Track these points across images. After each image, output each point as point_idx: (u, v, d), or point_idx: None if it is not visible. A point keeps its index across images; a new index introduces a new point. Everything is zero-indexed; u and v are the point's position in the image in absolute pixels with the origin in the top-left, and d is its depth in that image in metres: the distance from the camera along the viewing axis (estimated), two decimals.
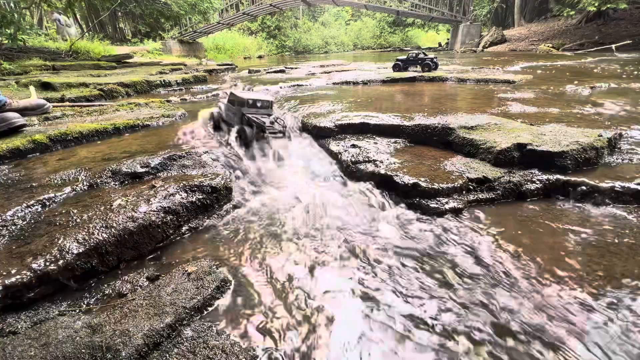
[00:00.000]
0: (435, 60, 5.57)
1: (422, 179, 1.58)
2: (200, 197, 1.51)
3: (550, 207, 1.50)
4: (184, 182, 1.53)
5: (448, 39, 22.87)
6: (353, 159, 1.93)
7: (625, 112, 2.64)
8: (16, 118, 2.26)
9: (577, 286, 1.03)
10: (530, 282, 1.07)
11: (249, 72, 7.38)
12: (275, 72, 6.93)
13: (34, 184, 1.53)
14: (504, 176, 1.66)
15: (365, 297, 1.05)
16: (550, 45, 14.09)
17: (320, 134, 2.37)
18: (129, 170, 1.65)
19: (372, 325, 0.95)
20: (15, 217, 1.27)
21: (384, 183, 1.69)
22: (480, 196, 1.58)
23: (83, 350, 0.81)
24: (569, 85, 3.87)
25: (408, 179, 1.59)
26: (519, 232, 1.33)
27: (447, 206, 1.49)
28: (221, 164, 1.92)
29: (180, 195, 1.46)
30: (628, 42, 12.06)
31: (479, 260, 1.18)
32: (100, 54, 8.32)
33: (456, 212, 1.48)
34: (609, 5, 13.04)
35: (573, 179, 1.56)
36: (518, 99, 3.13)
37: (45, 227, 1.21)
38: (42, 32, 10.66)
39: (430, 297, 1.04)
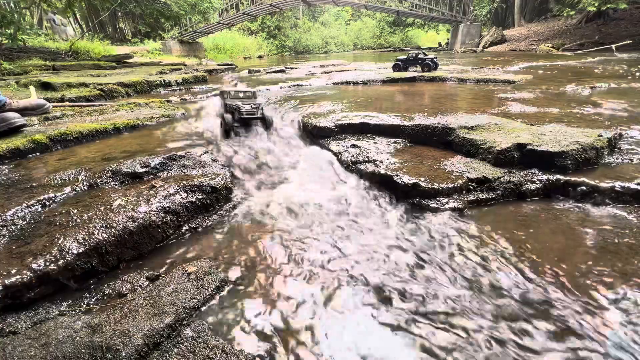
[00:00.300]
0: (435, 60, 5.57)
1: (422, 179, 1.58)
2: (200, 197, 1.51)
3: (550, 207, 1.50)
4: (184, 182, 1.53)
5: (448, 39, 22.87)
6: (353, 159, 1.93)
7: (625, 112, 2.64)
8: (16, 118, 2.26)
9: (577, 286, 1.03)
10: (530, 282, 1.07)
11: (249, 72, 7.37)
12: (275, 72, 6.92)
13: (34, 184, 1.53)
14: (504, 176, 1.66)
15: (365, 298, 1.05)
16: (550, 45, 14.09)
17: (320, 134, 2.37)
18: (129, 170, 1.65)
19: (376, 326, 0.95)
20: (15, 217, 1.27)
21: (384, 183, 1.69)
22: (480, 196, 1.58)
23: (83, 350, 0.81)
24: (569, 85, 3.87)
25: (408, 179, 1.59)
26: (519, 232, 1.33)
27: (447, 206, 1.49)
28: (220, 164, 1.92)
29: (180, 195, 1.46)
30: (628, 42, 12.06)
31: (478, 260, 1.18)
32: (100, 54, 8.33)
33: (456, 212, 1.48)
34: (609, 5, 13.04)
35: (573, 179, 1.56)
36: (518, 99, 3.13)
37: (45, 227, 1.21)
38: (42, 32, 10.66)
39: (429, 297, 1.04)
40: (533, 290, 1.03)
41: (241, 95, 2.60)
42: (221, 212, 1.57)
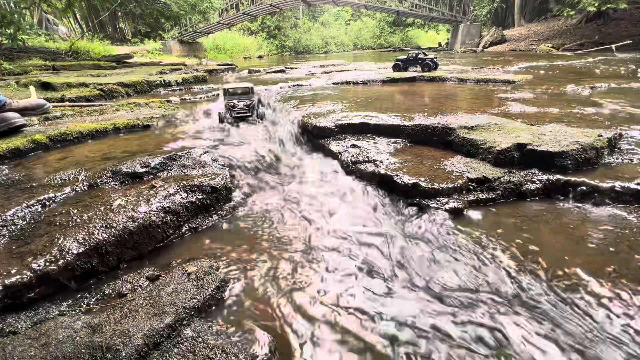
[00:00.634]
0: (435, 60, 5.57)
1: (422, 179, 1.58)
2: (200, 197, 1.51)
3: (550, 207, 1.50)
4: (184, 182, 1.53)
5: (448, 39, 22.87)
6: (353, 159, 1.93)
7: (625, 112, 2.64)
8: (16, 118, 2.26)
9: (577, 286, 1.03)
10: (530, 281, 1.07)
11: (249, 72, 7.38)
12: (275, 72, 6.92)
13: (34, 184, 1.53)
14: (504, 176, 1.66)
15: (365, 298, 1.05)
16: (550, 45, 14.09)
17: (320, 134, 2.37)
18: (129, 170, 1.65)
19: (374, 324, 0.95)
20: (15, 217, 1.27)
21: (384, 183, 1.69)
22: (480, 196, 1.58)
23: (83, 350, 0.81)
24: (569, 85, 3.87)
25: (408, 179, 1.59)
26: (519, 232, 1.33)
27: (447, 206, 1.49)
28: (220, 164, 1.92)
29: (180, 195, 1.46)
30: (628, 42, 12.06)
31: (478, 260, 1.18)
32: (100, 54, 8.33)
33: (456, 212, 1.47)
34: (609, 5, 13.04)
35: (573, 179, 1.56)
36: (518, 99, 3.13)
37: (45, 227, 1.21)
38: (42, 32, 10.66)
39: (429, 295, 1.04)
40: (533, 291, 1.03)
41: (239, 91, 2.81)
42: (221, 212, 1.57)
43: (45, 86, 3.98)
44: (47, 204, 1.38)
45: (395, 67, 5.87)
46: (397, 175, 1.64)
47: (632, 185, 1.47)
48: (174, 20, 17.02)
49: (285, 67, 7.69)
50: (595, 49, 12.43)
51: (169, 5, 13.68)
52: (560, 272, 1.09)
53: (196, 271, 1.12)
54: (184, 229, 1.42)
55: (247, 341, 0.90)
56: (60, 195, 1.44)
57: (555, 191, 1.58)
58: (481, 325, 0.92)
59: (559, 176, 1.59)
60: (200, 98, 3.87)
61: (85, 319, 0.92)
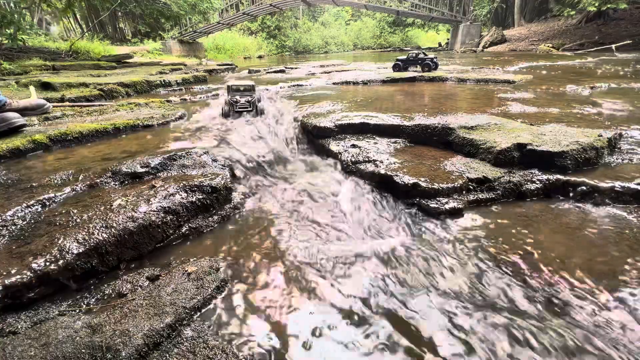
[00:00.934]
0: (435, 60, 5.57)
1: (422, 179, 1.58)
2: (200, 197, 1.51)
3: (550, 207, 1.50)
4: (184, 182, 1.53)
5: (448, 39, 22.87)
6: (353, 159, 1.93)
7: (625, 112, 2.64)
8: (16, 118, 2.26)
9: (577, 285, 1.03)
10: (530, 281, 1.07)
11: (249, 72, 7.38)
12: (275, 72, 6.92)
13: (34, 184, 1.53)
14: (504, 176, 1.66)
15: (366, 299, 1.05)
16: (550, 45, 14.09)
17: (320, 134, 2.37)
18: (129, 170, 1.65)
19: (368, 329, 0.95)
20: (15, 217, 1.27)
21: (384, 183, 1.69)
22: (480, 196, 1.58)
23: (83, 350, 0.81)
24: (569, 86, 3.87)
25: (408, 179, 1.59)
26: (519, 232, 1.33)
27: (447, 206, 1.49)
28: (220, 164, 1.92)
29: (180, 195, 1.46)
30: (628, 42, 12.06)
31: (478, 260, 1.18)
32: (100, 54, 8.33)
33: (456, 212, 1.47)
34: (609, 5, 13.04)
35: (573, 179, 1.56)
36: (518, 99, 3.13)
37: (45, 227, 1.21)
38: (42, 32, 10.66)
39: (429, 294, 1.04)
40: (532, 291, 1.03)
41: (241, 88, 3.03)
42: (221, 212, 1.57)
43: (45, 86, 3.98)
44: (47, 204, 1.38)
45: (395, 67, 5.87)
46: (397, 175, 1.64)
47: (632, 185, 1.47)
48: (174, 20, 17.02)
49: (285, 67, 7.69)
50: (595, 49, 12.42)
51: (169, 5, 13.67)
52: (560, 272, 1.09)
53: (196, 271, 1.12)
54: (184, 229, 1.42)
55: (247, 341, 0.90)
56: (60, 195, 1.44)
57: (555, 191, 1.58)
58: (471, 327, 0.92)
59: (559, 176, 1.59)
60: (201, 98, 3.87)
61: (85, 319, 0.92)
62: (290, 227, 1.48)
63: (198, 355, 0.83)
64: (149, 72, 6.10)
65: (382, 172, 1.71)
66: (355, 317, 0.98)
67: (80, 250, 1.08)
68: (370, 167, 1.80)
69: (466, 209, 1.51)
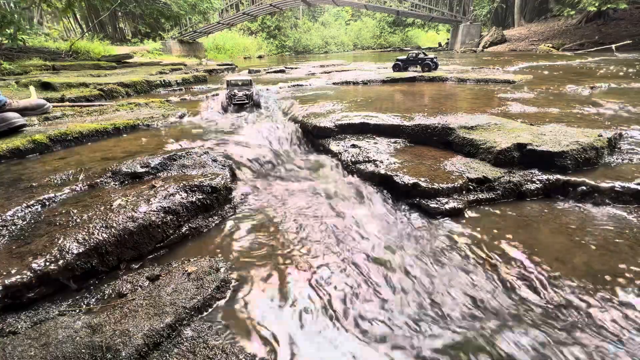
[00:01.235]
0: (435, 60, 5.57)
1: (422, 179, 1.58)
2: (200, 197, 1.51)
3: (550, 207, 1.50)
4: (184, 182, 1.53)
5: (448, 39, 22.87)
6: (353, 159, 1.93)
7: (625, 112, 2.64)
8: (16, 118, 2.26)
9: (577, 286, 1.03)
10: (530, 281, 1.07)
11: (249, 72, 7.37)
12: (275, 72, 6.92)
13: (34, 184, 1.53)
14: (504, 176, 1.66)
15: (365, 300, 1.05)
16: (550, 45, 14.09)
17: (320, 134, 2.37)
18: (129, 170, 1.65)
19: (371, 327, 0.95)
20: (15, 217, 1.27)
21: (384, 183, 1.69)
22: (480, 196, 1.58)
23: (83, 350, 0.81)
24: (569, 86, 3.87)
25: (408, 179, 1.59)
26: (519, 232, 1.33)
27: (447, 206, 1.49)
28: (220, 164, 1.92)
29: (180, 195, 1.46)
30: (628, 42, 12.06)
31: (478, 260, 1.18)
32: (100, 54, 8.33)
33: (456, 212, 1.47)
34: (609, 5, 13.04)
35: (573, 179, 1.56)
36: (518, 99, 3.13)
37: (45, 227, 1.21)
38: (42, 32, 10.66)
39: (428, 294, 1.04)
40: (532, 291, 1.03)
41: (240, 83, 3.22)
42: (221, 212, 1.57)
43: (45, 86, 3.98)
44: (47, 204, 1.38)
45: (395, 67, 5.87)
46: (397, 175, 1.64)
47: (632, 185, 1.47)
48: (174, 20, 17.02)
49: (285, 67, 7.69)
50: (595, 49, 12.42)
51: (169, 5, 13.67)
52: (560, 272, 1.09)
53: (196, 271, 1.12)
54: (184, 229, 1.42)
55: (248, 341, 0.90)
56: (60, 195, 1.44)
57: (555, 191, 1.58)
58: (470, 327, 0.92)
59: (559, 176, 1.59)
60: (200, 98, 3.87)
61: (85, 319, 0.92)
62: (291, 226, 1.48)
63: (198, 355, 0.83)
64: (149, 72, 6.10)
65: (382, 172, 1.71)
66: (353, 317, 0.98)
67: (80, 250, 1.08)
68: (370, 167, 1.80)
69: (466, 209, 1.51)
